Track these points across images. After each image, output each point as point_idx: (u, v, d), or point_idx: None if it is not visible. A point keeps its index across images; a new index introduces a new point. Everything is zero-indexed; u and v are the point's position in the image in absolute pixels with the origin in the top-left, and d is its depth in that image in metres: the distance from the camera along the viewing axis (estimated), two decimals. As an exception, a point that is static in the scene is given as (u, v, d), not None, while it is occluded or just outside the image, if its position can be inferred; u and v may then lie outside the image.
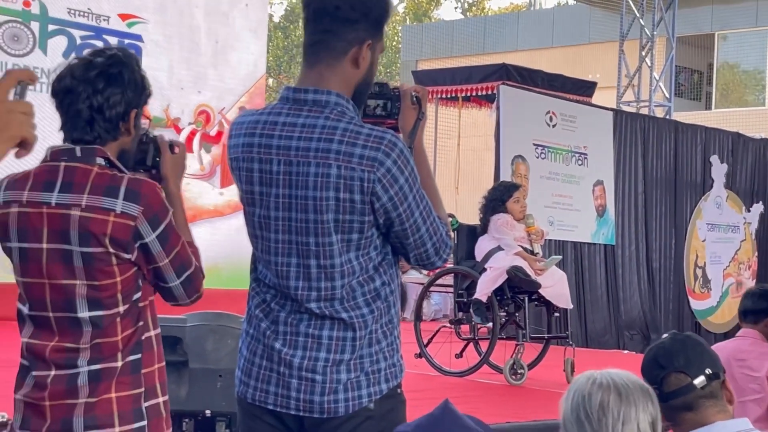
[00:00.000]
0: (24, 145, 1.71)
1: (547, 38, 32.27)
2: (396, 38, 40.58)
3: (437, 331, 8.28)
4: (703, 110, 32.69)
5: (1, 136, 1.70)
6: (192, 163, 12.02)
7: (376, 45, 2.85)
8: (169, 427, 2.78)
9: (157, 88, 11.77)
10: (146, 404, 2.68)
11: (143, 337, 2.69)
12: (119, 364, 2.64)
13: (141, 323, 2.69)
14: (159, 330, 2.77)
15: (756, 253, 15.02)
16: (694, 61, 32.60)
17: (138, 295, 2.69)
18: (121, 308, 2.65)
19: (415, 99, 3.03)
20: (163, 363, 2.78)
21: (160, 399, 2.73)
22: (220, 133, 12.23)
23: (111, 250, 2.60)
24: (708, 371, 2.90)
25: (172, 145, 2.98)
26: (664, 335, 3.03)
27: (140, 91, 2.79)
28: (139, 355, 2.67)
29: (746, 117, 30.00)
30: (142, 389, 2.67)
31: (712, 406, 2.88)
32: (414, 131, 3.01)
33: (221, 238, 11.58)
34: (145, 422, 2.68)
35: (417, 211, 2.79)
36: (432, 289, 9.56)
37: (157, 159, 2.92)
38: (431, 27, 34.96)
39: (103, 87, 2.70)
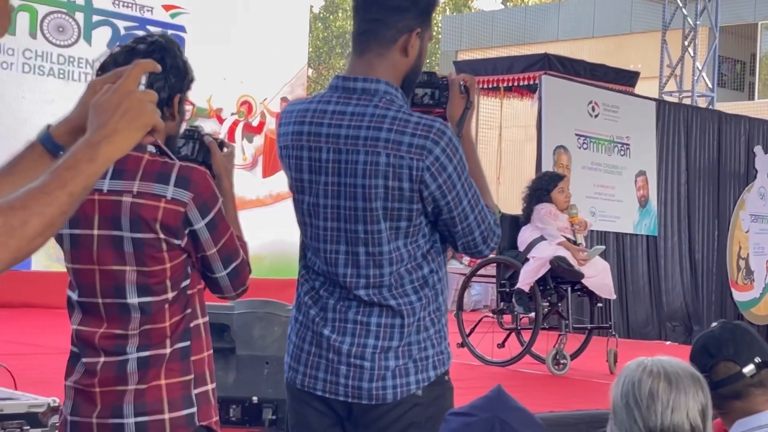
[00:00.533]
0: (152, 132, 1.84)
1: (587, 28, 32.07)
2: (436, 28, 40.57)
3: (479, 320, 8.29)
4: (745, 100, 32.42)
5: (136, 123, 1.81)
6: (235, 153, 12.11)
7: (424, 33, 2.87)
8: (216, 414, 2.80)
9: (200, 79, 11.85)
10: (196, 391, 2.69)
11: (191, 325, 2.70)
12: (168, 350, 2.65)
13: (189, 310, 2.70)
14: (207, 318, 2.78)
15: (800, 245, 14.89)
16: (737, 51, 32.30)
17: (187, 282, 2.70)
18: (170, 295, 2.66)
19: (463, 88, 3.04)
20: (211, 351, 2.79)
21: (209, 386, 2.74)
22: (262, 124, 12.31)
23: (162, 236, 2.62)
24: (757, 360, 2.91)
25: (222, 144, 3.01)
26: (714, 324, 3.04)
27: (183, 76, 2.81)
28: (188, 342, 2.68)
29: (789, 107, 29.69)
30: (192, 376, 2.68)
31: (761, 394, 2.89)
32: (462, 120, 3.02)
33: (262, 227, 11.65)
34: (194, 409, 2.69)
35: (465, 199, 2.81)
36: (476, 280, 9.56)
37: (206, 154, 2.96)
38: (471, 17, 34.89)
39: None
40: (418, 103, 3.00)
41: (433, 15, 2.99)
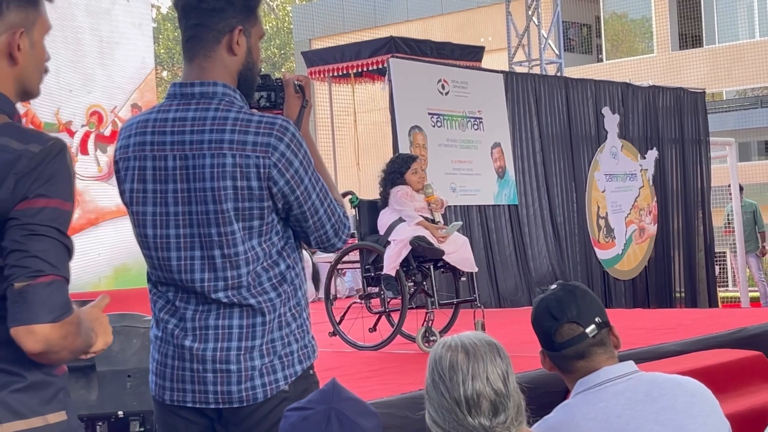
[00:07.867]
0: None
1: (436, 6, 32.45)
2: (287, 19, 40.40)
3: (348, 307, 8.32)
4: (595, 63, 33.26)
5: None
6: (89, 165, 11.92)
7: (250, 30, 2.91)
8: None
9: (46, 93, 11.62)
10: None
11: None
12: None
13: None
14: None
15: (655, 199, 15.31)
16: (581, 14, 33.10)
17: None
18: None
19: (297, 87, 3.10)
20: None
21: None
22: (114, 132, 12.13)
23: None
24: (598, 320, 3.02)
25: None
26: (552, 286, 3.14)
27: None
28: None
29: (637, 65, 30.59)
30: None
31: (602, 353, 3.01)
32: (299, 119, 3.08)
33: (127, 236, 11.36)
34: None
35: (314, 193, 2.86)
36: (344, 267, 9.59)
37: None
38: (321, 5, 34.93)
39: None
40: (255, 107, 3.04)
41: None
